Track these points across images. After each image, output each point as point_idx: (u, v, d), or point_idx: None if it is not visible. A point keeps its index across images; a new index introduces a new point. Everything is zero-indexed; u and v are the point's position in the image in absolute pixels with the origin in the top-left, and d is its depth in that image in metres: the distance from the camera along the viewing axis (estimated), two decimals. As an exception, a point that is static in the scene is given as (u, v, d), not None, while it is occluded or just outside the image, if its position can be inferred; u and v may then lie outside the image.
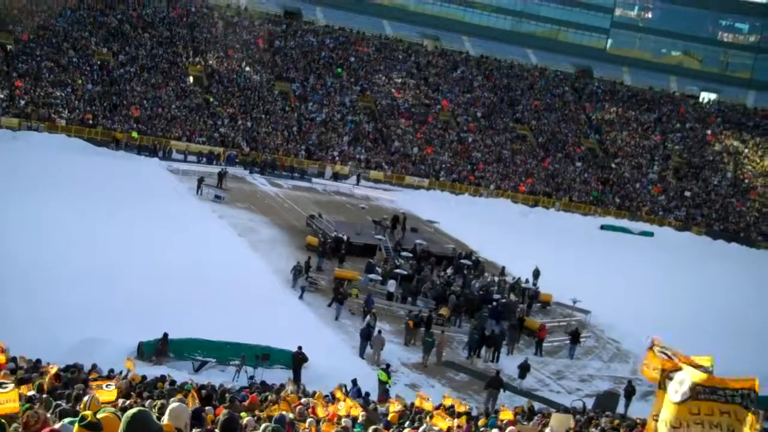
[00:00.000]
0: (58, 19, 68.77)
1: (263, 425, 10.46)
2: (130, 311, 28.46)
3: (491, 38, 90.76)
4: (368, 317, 31.92)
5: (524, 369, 31.02)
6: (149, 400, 14.43)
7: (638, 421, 19.98)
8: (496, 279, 41.46)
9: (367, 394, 23.37)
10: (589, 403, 28.84)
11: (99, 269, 31.88)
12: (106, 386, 14.03)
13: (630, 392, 29.46)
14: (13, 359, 19.91)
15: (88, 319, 26.63)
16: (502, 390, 27.84)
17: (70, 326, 25.51)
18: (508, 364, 32.01)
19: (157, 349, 26.17)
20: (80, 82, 64.07)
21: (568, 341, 35.68)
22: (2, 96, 59.86)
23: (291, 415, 14.24)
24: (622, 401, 29.51)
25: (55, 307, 27.19)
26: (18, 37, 65.34)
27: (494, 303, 36.85)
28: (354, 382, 23.97)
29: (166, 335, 26.16)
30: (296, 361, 26.53)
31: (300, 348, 26.62)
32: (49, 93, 61.81)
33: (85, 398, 12.00)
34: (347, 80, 77.08)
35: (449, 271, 40.86)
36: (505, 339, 33.64)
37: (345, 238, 41.76)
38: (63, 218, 37.93)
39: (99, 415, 6.48)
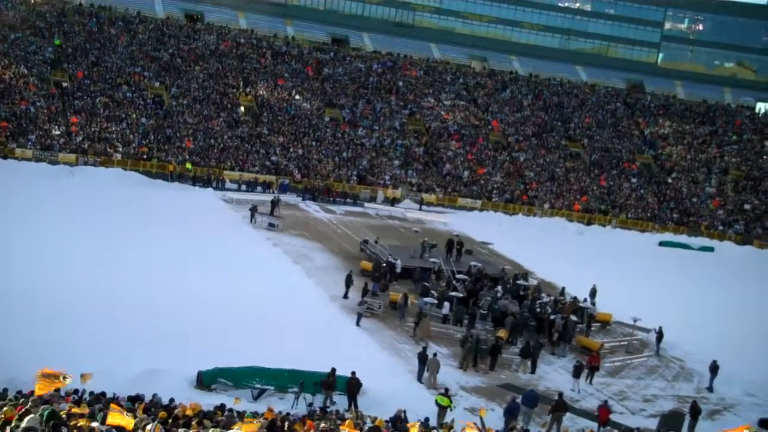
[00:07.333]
0: (111, 56, 70.29)
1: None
2: (188, 340, 28.64)
3: (540, 57, 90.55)
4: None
5: (578, 369, 31.72)
6: (211, 429, 14.42)
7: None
8: (553, 299, 40.79)
9: (427, 419, 23.07)
10: (654, 423, 28.19)
11: (157, 299, 32.25)
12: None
13: (695, 411, 28.64)
14: (75, 391, 20.08)
15: (147, 349, 26.83)
16: (565, 413, 27.31)
17: (130, 357, 25.72)
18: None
19: (326, 383, 26.22)
20: (134, 116, 65.27)
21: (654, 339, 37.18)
22: (59, 132, 61.22)
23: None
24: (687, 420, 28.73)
25: (115, 338, 27.48)
26: (73, 74, 66.90)
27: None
28: (426, 421, 23.15)
29: (334, 370, 26.25)
30: (350, 387, 26.34)
31: (353, 373, 26.42)
32: (104, 128, 63.04)
33: (149, 427, 12.03)
34: (396, 104, 77.27)
35: (499, 291, 40.19)
36: (540, 351, 33.60)
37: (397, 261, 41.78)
38: (120, 249, 38.63)
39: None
